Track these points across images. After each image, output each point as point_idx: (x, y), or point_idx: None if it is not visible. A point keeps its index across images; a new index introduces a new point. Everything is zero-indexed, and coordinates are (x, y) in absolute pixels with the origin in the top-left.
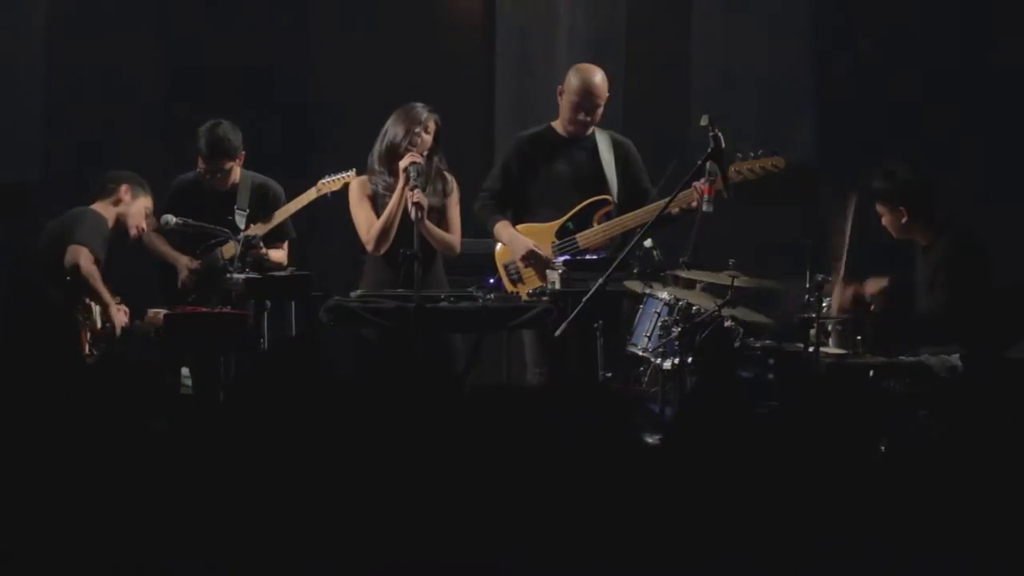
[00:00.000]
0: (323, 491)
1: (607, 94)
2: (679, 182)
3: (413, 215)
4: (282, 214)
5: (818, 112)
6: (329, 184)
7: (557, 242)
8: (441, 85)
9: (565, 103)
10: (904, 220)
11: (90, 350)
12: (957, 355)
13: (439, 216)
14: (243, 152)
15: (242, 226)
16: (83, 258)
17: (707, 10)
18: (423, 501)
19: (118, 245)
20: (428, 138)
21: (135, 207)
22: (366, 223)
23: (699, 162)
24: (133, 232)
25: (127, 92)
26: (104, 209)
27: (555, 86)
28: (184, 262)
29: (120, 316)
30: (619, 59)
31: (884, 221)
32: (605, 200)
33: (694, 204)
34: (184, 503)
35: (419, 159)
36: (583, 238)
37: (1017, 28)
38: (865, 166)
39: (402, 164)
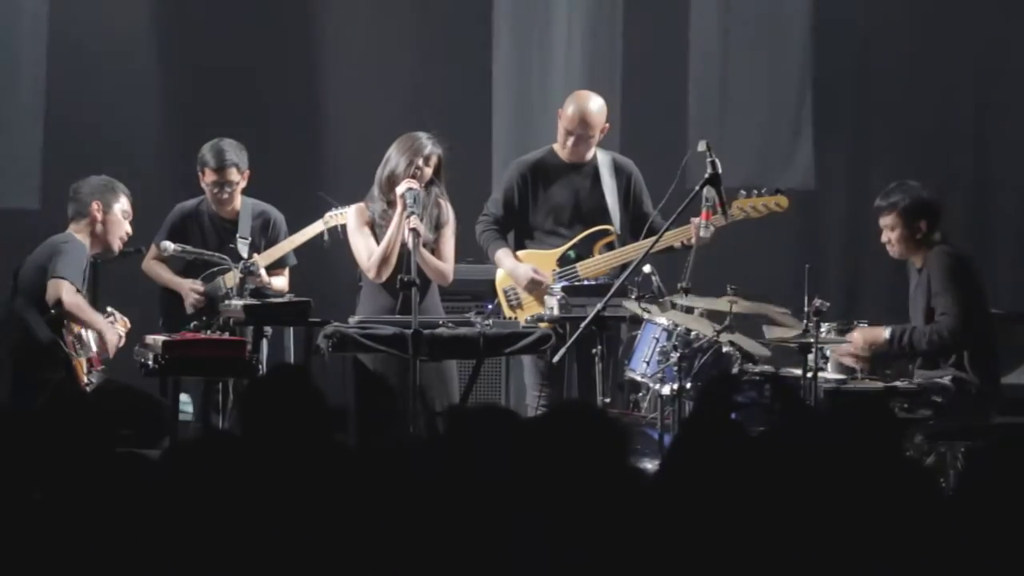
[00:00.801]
0: (316, 516)
1: (604, 123)
2: (678, 205)
3: (410, 242)
4: (287, 245)
5: (815, 136)
6: (336, 217)
7: (558, 270)
8: (438, 106)
9: (559, 129)
10: (900, 236)
11: (88, 380)
12: (949, 376)
13: (432, 246)
14: (247, 171)
15: (244, 254)
16: (64, 292)
17: (704, 35)
18: (419, 523)
19: (115, 270)
20: (428, 169)
21: (111, 219)
22: (366, 250)
23: (696, 188)
24: (117, 245)
25: (127, 119)
26: (81, 233)
27: (550, 107)
28: (188, 285)
29: (113, 336)
30: (615, 82)
31: (892, 236)
32: (607, 230)
33: (693, 241)
34: (181, 531)
35: (416, 185)
36: (583, 268)
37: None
38: (860, 191)
39: (399, 190)
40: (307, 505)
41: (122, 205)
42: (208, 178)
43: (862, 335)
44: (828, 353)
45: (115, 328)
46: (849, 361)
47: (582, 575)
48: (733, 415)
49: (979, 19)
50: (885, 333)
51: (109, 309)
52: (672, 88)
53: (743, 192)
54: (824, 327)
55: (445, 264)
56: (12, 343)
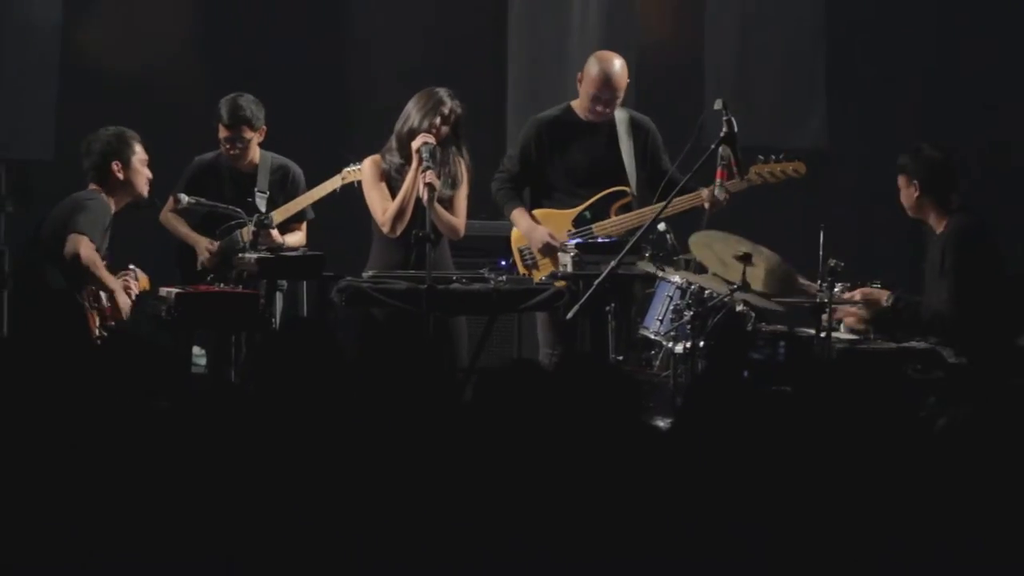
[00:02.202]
0: (328, 476)
1: (626, 81)
2: (694, 163)
3: (425, 196)
4: (304, 200)
5: (828, 98)
6: (354, 173)
7: (573, 230)
8: (452, 65)
9: (583, 92)
10: (916, 195)
11: (100, 333)
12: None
13: (447, 202)
14: (264, 127)
15: (262, 208)
16: (83, 247)
17: None
18: (430, 484)
19: (132, 222)
20: (446, 126)
21: (132, 171)
22: (381, 204)
23: (712, 147)
24: (146, 190)
25: (143, 69)
26: (104, 191)
27: (567, 65)
28: (204, 244)
29: (125, 300)
30: (633, 41)
31: (902, 196)
32: (623, 191)
33: (706, 205)
34: (190, 486)
35: (431, 140)
36: (599, 228)
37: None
38: (874, 152)
39: (415, 145)
40: (319, 461)
41: (139, 155)
42: (221, 133)
43: (863, 293)
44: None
45: (128, 291)
46: (851, 320)
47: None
48: (746, 372)
49: None
50: (888, 299)
51: (131, 267)
52: (688, 46)
53: (760, 157)
54: (838, 287)
55: (458, 219)
56: (28, 292)
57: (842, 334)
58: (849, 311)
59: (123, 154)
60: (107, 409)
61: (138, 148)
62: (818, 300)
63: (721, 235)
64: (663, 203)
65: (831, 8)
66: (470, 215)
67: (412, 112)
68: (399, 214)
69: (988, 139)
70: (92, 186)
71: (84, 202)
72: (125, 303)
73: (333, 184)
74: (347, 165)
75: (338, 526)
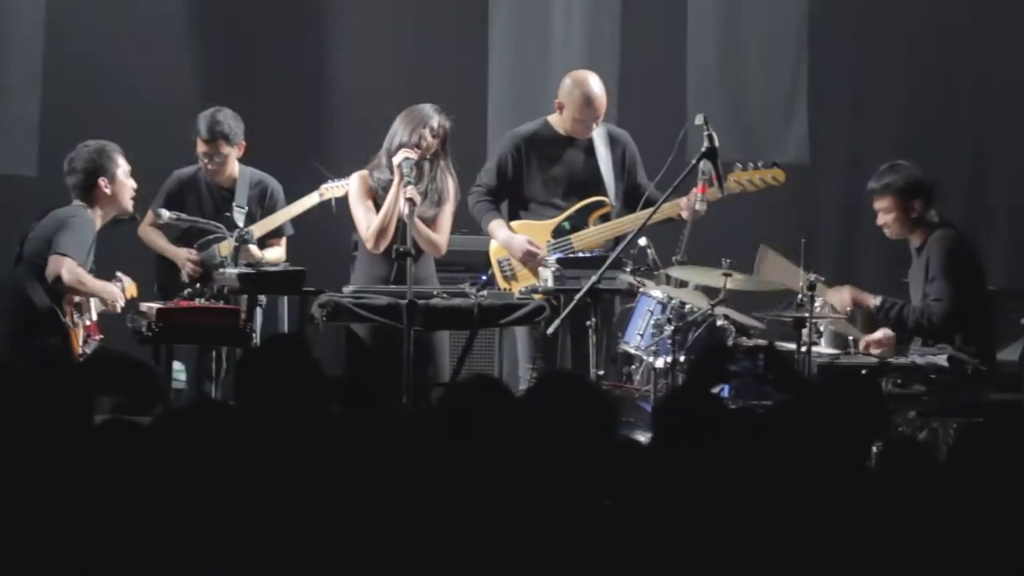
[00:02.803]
0: (309, 489)
1: (606, 97)
2: (675, 178)
3: (405, 211)
4: (283, 215)
5: (810, 110)
6: (332, 190)
7: (552, 241)
8: (433, 80)
9: (566, 116)
10: (915, 214)
11: (82, 350)
12: (944, 356)
13: (430, 218)
14: (243, 142)
15: (240, 223)
16: (64, 270)
17: (702, 6)
18: (412, 496)
19: (111, 237)
20: (432, 139)
21: (117, 186)
22: (365, 221)
23: (693, 161)
24: (130, 204)
25: (126, 84)
26: (88, 206)
27: (547, 77)
28: (183, 255)
29: (114, 291)
30: (614, 54)
31: (888, 218)
32: (602, 202)
33: (684, 215)
34: (173, 501)
35: (412, 155)
36: (578, 239)
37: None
38: (855, 165)
39: (395, 160)
40: (300, 475)
41: (123, 167)
42: (199, 148)
43: (851, 291)
44: (822, 328)
45: (116, 287)
46: (836, 301)
47: (575, 545)
48: (725, 386)
49: None
50: (875, 300)
51: (118, 274)
52: (670, 61)
53: (739, 165)
54: (818, 303)
55: (439, 236)
56: (11, 309)
57: (823, 348)
58: (873, 340)
59: (108, 170)
60: (88, 425)
61: (121, 160)
62: (800, 315)
63: (787, 264)
64: (643, 212)
65: (813, 23)
66: (452, 230)
67: (399, 128)
68: (382, 230)
69: (969, 153)
70: (76, 201)
71: (67, 220)
72: (115, 293)
73: (311, 200)
74: (325, 182)
75: (319, 539)
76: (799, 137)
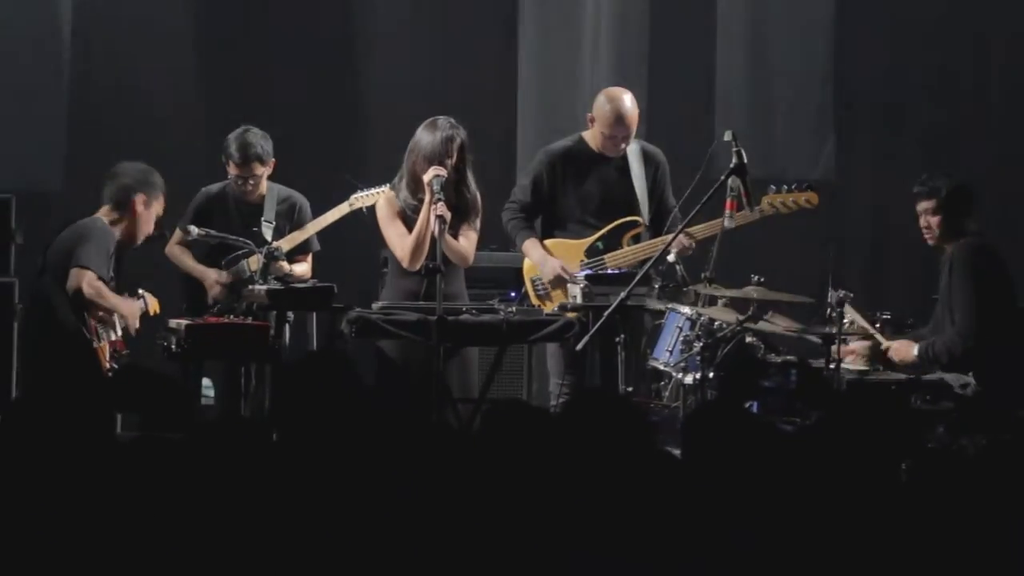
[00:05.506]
0: (339, 504)
1: (638, 115)
2: (703, 194)
3: (436, 229)
4: (313, 228)
5: (837, 128)
6: (362, 199)
7: (586, 260)
8: (463, 94)
9: (597, 131)
10: (958, 222)
11: (110, 364)
12: (971, 372)
13: (454, 229)
14: (274, 159)
15: (269, 238)
16: (85, 283)
17: (731, 23)
18: (443, 512)
19: (139, 254)
20: (453, 156)
21: (147, 215)
22: (399, 240)
23: (722, 178)
24: (139, 241)
25: (154, 102)
26: (111, 219)
27: (577, 93)
28: (212, 276)
29: (134, 310)
30: (642, 69)
31: (933, 221)
32: (635, 222)
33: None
34: (203, 518)
35: (443, 172)
36: (611, 259)
37: None
38: (884, 182)
39: (426, 178)
40: (336, 492)
41: (159, 202)
42: (232, 171)
43: (897, 353)
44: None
45: (137, 304)
46: (899, 358)
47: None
48: (757, 401)
49: (1004, 12)
50: (914, 350)
51: (140, 291)
52: (699, 77)
53: (773, 187)
54: (847, 314)
55: (466, 246)
56: (37, 324)
57: (851, 365)
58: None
59: (151, 194)
60: (119, 440)
61: (161, 195)
62: (828, 332)
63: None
64: (674, 233)
65: (840, 40)
66: (479, 247)
67: (420, 145)
68: (416, 248)
69: (998, 172)
70: (103, 210)
71: (87, 232)
72: (133, 310)
73: (341, 211)
74: (354, 191)
75: (348, 555)
76: (827, 154)
